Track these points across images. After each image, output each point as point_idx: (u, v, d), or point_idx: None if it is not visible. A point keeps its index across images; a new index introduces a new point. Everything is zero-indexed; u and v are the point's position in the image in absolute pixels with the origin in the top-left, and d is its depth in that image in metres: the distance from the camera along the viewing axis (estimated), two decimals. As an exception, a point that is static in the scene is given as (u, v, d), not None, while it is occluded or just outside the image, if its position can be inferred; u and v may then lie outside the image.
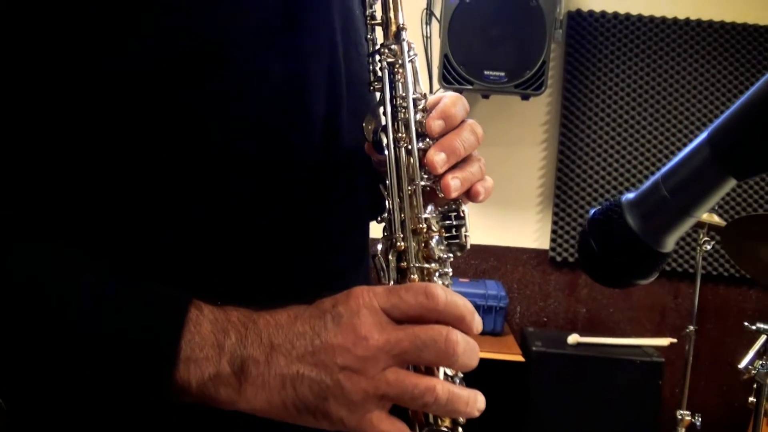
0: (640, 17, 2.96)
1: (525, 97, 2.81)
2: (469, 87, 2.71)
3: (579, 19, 2.97)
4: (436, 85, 2.96)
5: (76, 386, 0.60)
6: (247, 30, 0.67)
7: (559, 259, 3.04)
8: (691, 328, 2.45)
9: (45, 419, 0.67)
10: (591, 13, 2.97)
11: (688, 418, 2.38)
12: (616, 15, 2.97)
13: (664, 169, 0.55)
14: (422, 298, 0.58)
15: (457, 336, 0.58)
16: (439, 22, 2.79)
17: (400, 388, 0.57)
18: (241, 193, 0.68)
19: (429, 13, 3.00)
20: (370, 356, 0.56)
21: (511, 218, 3.11)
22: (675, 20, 2.95)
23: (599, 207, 0.60)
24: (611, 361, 2.65)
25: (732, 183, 0.52)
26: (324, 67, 0.74)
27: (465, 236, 0.70)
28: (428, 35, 3.01)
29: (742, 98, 0.49)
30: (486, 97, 2.93)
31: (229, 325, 0.59)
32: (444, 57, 2.71)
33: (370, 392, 0.56)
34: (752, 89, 0.49)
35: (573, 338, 2.71)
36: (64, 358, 0.58)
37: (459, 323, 0.59)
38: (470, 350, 0.59)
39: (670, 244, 0.56)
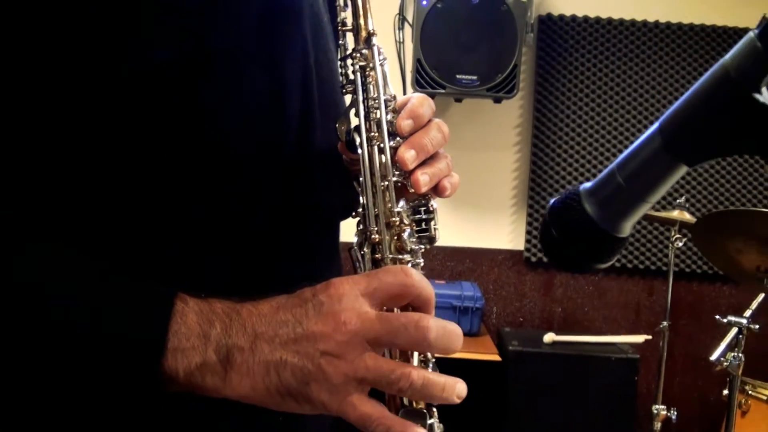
0: (610, 20, 3.02)
1: (497, 101, 2.86)
2: (442, 91, 2.75)
3: (550, 23, 3.02)
4: (409, 89, 2.99)
5: (70, 382, 0.62)
6: (229, 42, 0.70)
7: (534, 259, 3.08)
8: (665, 324, 2.49)
9: (38, 419, 0.68)
10: (561, 17, 3.02)
11: (664, 412, 2.42)
12: (586, 18, 3.02)
13: (619, 159, 0.58)
14: (401, 276, 0.62)
15: (429, 322, 0.60)
16: (412, 26, 2.82)
17: (377, 373, 0.59)
18: (222, 192, 0.71)
19: (401, 18, 3.03)
20: (348, 341, 0.59)
21: (486, 220, 3.15)
22: (644, 23, 3.02)
23: (559, 196, 0.63)
24: (587, 359, 2.69)
25: (683, 169, 0.55)
26: (297, 73, 0.77)
27: (434, 229, 0.73)
28: (401, 40, 3.04)
29: (690, 90, 0.52)
30: (459, 100, 2.96)
31: (213, 315, 0.61)
32: (417, 61, 2.74)
33: (350, 376, 0.59)
34: (698, 82, 0.51)
35: (549, 337, 2.74)
36: (59, 352, 0.59)
37: (428, 303, 0.63)
38: (446, 335, 0.61)
39: (626, 229, 0.59)
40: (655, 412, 2.43)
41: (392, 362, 0.60)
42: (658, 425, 2.43)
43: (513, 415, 2.69)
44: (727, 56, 0.50)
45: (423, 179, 0.70)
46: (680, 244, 2.42)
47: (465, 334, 2.66)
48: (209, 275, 0.70)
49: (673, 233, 2.43)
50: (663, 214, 2.49)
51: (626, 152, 0.57)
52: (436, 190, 0.73)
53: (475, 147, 3.06)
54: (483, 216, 3.14)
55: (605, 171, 0.59)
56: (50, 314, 0.59)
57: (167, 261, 0.68)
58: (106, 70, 0.63)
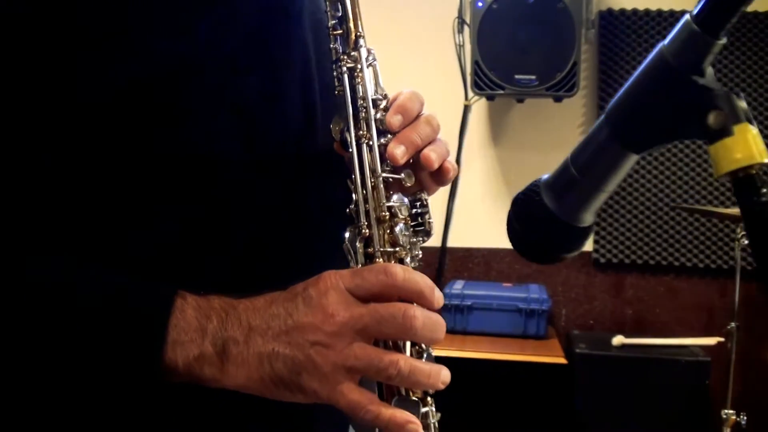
0: (672, 12, 2.93)
1: (558, 99, 2.81)
2: (501, 92, 2.74)
3: (611, 18, 2.96)
4: (470, 92, 2.99)
5: (77, 374, 0.66)
6: (224, 46, 0.73)
7: (602, 260, 3.01)
8: (733, 325, 2.40)
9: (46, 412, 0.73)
10: (622, 11, 2.96)
11: (733, 417, 2.32)
12: (647, 12, 2.95)
13: (572, 151, 0.58)
14: (382, 276, 0.64)
15: (415, 311, 0.62)
16: (470, 28, 2.82)
17: (365, 361, 0.62)
18: (220, 197, 0.74)
19: (461, 21, 3.03)
20: (336, 332, 0.62)
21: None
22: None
23: (523, 188, 0.63)
24: (656, 362, 2.61)
25: (634, 158, 0.54)
26: (296, 77, 0.80)
27: (429, 222, 0.75)
28: (461, 43, 3.04)
29: (632, 77, 0.52)
30: (521, 101, 2.94)
31: (211, 311, 0.64)
32: (474, 63, 2.75)
33: (339, 364, 0.61)
34: (639, 68, 0.51)
35: (617, 340, 2.68)
36: (65, 347, 0.64)
37: (419, 298, 0.65)
38: (431, 324, 0.64)
39: (588, 218, 0.59)
40: (724, 416, 2.34)
41: (380, 351, 0.63)
42: (727, 431, 2.33)
43: (581, 418, 2.64)
44: (666, 40, 0.50)
45: (432, 156, 0.72)
46: (746, 242, 2.32)
47: (531, 337, 2.68)
48: (210, 276, 0.73)
49: (738, 231, 2.33)
50: (729, 210, 2.40)
51: (579, 144, 0.57)
52: (440, 172, 0.75)
53: (538, 147, 3.03)
54: None
55: (561, 163, 0.59)
56: (59, 311, 0.64)
57: (170, 262, 0.71)
58: (100, 73, 0.67)
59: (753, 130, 0.46)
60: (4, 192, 0.66)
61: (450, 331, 2.78)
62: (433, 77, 3.16)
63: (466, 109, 3.12)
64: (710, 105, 0.46)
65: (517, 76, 2.68)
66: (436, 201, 3.09)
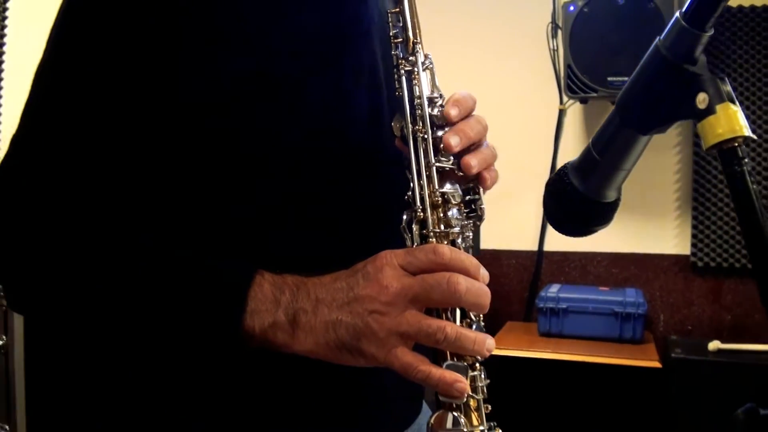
0: (765, 7, 2.84)
1: (652, 101, 2.79)
2: (594, 95, 2.75)
3: (707, 17, 2.89)
4: (564, 97, 3.01)
5: (171, 341, 0.79)
6: (299, 54, 0.84)
7: (701, 264, 2.94)
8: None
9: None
10: (718, 10, 2.89)
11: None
12: (740, 8, 2.86)
13: (593, 136, 0.66)
14: (431, 254, 0.73)
15: (459, 278, 0.71)
16: (562, 32, 2.85)
17: (416, 327, 0.70)
18: (298, 192, 0.85)
19: (554, 26, 3.06)
20: (391, 301, 0.71)
21: (649, 224, 3.07)
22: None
23: (557, 171, 0.71)
24: (753, 368, 2.53)
25: (644, 138, 0.61)
26: (364, 83, 0.91)
27: (481, 208, 0.82)
28: (555, 48, 3.08)
29: (635, 70, 0.59)
30: (614, 103, 2.92)
31: (284, 285, 0.75)
32: (567, 67, 2.78)
33: (393, 330, 0.70)
34: (641, 61, 0.58)
35: (714, 345, 2.62)
36: (167, 312, 0.75)
37: (464, 270, 0.72)
38: (475, 290, 0.72)
39: (611, 195, 0.66)
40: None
41: (430, 318, 0.72)
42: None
43: (675, 423, 2.60)
44: (661, 36, 0.57)
45: (472, 162, 0.80)
46: None
47: (627, 341, 2.67)
48: (293, 251, 0.84)
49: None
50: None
51: (598, 130, 0.65)
52: (479, 179, 0.83)
53: (634, 150, 3.00)
54: (646, 220, 3.06)
55: (585, 148, 0.67)
56: (164, 282, 0.75)
57: (261, 239, 0.83)
58: (185, 87, 0.78)
59: (733, 108, 0.52)
60: (121, 179, 0.79)
61: (545, 333, 2.81)
62: (528, 83, 3.21)
63: (561, 113, 3.16)
64: (698, 88, 0.53)
65: (609, 78, 2.69)
66: (532, 205, 3.15)
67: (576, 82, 2.77)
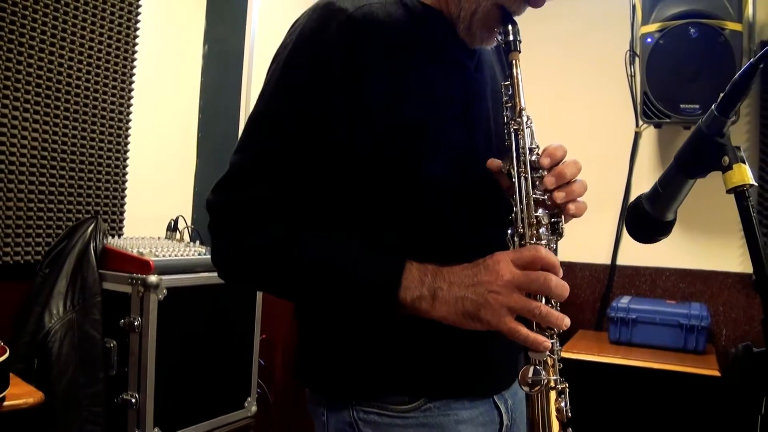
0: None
1: (722, 126, 2.92)
2: (667, 120, 2.91)
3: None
4: (640, 120, 3.18)
5: (348, 308, 1.05)
6: (440, 113, 1.10)
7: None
8: None
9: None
10: (784, 39, 2.96)
11: None
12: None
13: (660, 177, 0.95)
14: (533, 252, 0.97)
15: (551, 277, 0.95)
16: (640, 61, 3.01)
17: (521, 305, 0.95)
18: (440, 218, 1.09)
19: (632, 54, 3.24)
20: (504, 285, 0.95)
21: (715, 242, 3.17)
22: None
23: (635, 199, 1.05)
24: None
25: (690, 181, 0.90)
26: (484, 133, 1.16)
27: (562, 228, 1.06)
28: (632, 74, 3.26)
29: (687, 137, 0.88)
30: (687, 128, 3.06)
31: (427, 271, 1.00)
32: (643, 94, 2.94)
33: (504, 305, 0.95)
34: (690, 133, 0.87)
35: (775, 358, 2.71)
36: (344, 288, 1.01)
37: (553, 268, 0.97)
38: (561, 286, 0.95)
39: (670, 215, 0.98)
40: None
41: (530, 300, 0.95)
42: None
43: (732, 428, 2.71)
44: (702, 119, 0.85)
45: (560, 196, 1.03)
46: None
47: (690, 352, 2.86)
48: (433, 251, 1.06)
49: None
50: None
51: (663, 172, 0.94)
52: (563, 208, 1.05)
53: (705, 171, 3.12)
54: (713, 239, 3.16)
55: (653, 185, 0.96)
56: (341, 266, 1.01)
57: (407, 247, 1.06)
58: (352, 146, 1.04)
59: (744, 166, 0.81)
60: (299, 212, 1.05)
61: (616, 342, 2.97)
62: (607, 106, 3.38)
63: (637, 136, 3.33)
64: (723, 153, 0.81)
65: (682, 106, 2.85)
66: (608, 222, 3.33)
67: (651, 107, 2.93)
